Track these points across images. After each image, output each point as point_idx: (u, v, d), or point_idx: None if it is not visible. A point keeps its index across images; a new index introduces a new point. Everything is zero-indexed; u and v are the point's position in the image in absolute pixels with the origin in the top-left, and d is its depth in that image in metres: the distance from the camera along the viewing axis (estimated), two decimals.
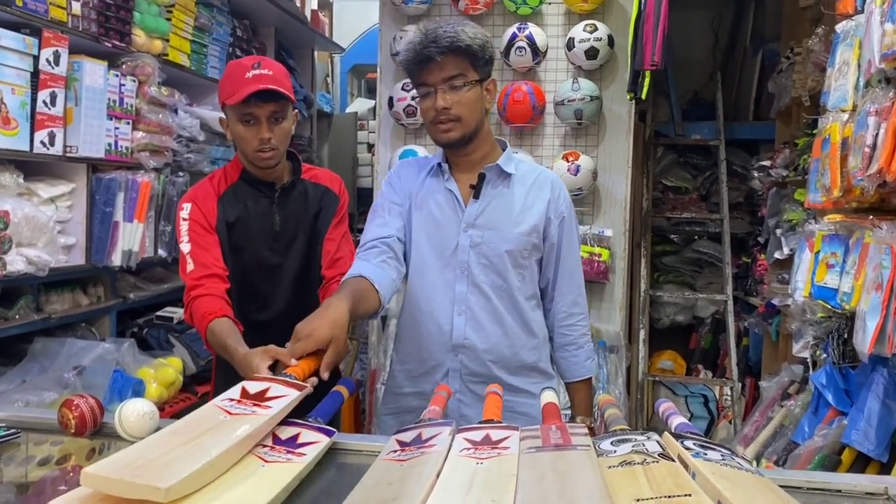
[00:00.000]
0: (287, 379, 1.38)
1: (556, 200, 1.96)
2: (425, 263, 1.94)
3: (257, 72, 1.96)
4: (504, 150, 1.97)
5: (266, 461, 1.15)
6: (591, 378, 2.06)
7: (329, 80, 6.01)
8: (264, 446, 1.21)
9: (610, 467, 1.11)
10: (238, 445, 1.11)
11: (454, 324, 1.92)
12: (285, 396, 1.31)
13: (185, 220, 2.07)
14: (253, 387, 1.33)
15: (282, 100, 1.99)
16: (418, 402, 1.93)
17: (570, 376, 2.06)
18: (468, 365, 1.93)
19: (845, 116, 2.43)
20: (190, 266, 2.01)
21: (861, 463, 2.46)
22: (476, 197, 1.92)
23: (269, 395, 1.30)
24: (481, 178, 1.92)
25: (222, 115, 2.12)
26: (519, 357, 1.96)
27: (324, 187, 2.24)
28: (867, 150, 2.13)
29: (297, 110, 2.16)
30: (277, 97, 1.98)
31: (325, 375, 1.49)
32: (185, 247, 2.04)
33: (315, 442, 1.25)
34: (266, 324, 2.13)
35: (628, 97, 3.48)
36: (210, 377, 3.32)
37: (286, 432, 1.27)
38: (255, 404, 1.26)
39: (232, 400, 1.27)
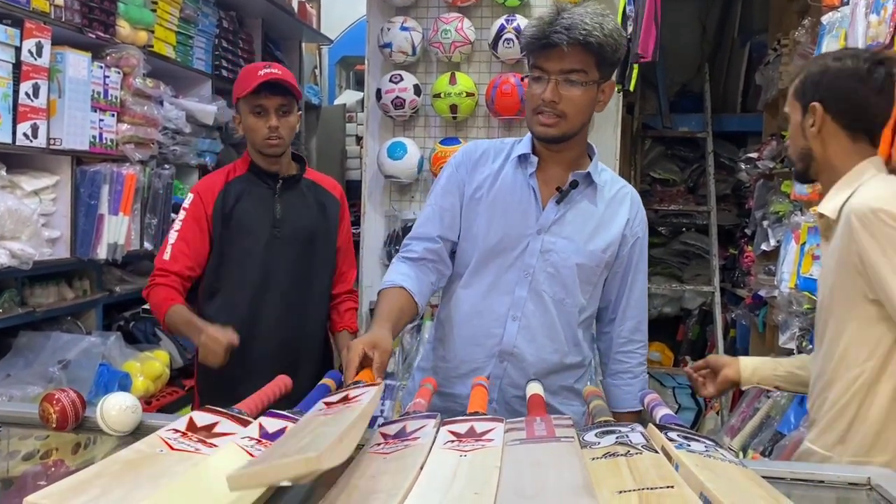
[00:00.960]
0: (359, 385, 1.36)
1: (633, 219, 1.82)
2: (487, 260, 1.80)
3: (268, 70, 2.21)
4: (592, 157, 1.81)
5: (252, 455, 1.12)
6: (641, 411, 1.80)
7: (317, 71, 5.98)
8: (251, 439, 1.18)
9: (594, 459, 1.10)
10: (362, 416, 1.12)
11: (506, 329, 1.77)
12: (365, 394, 1.26)
13: (184, 209, 2.28)
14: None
15: (289, 95, 2.22)
16: (445, 404, 1.76)
17: (620, 406, 1.88)
18: (511, 374, 1.78)
19: None
20: (167, 255, 2.22)
21: None
22: (559, 202, 1.76)
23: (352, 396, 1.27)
24: (573, 185, 1.75)
25: (235, 113, 2.33)
26: (562, 376, 1.82)
27: (325, 190, 2.41)
28: None
29: (300, 111, 2.37)
30: (285, 91, 2.21)
31: (379, 381, 1.45)
32: (173, 236, 2.25)
33: None
34: (258, 317, 2.25)
35: (618, 90, 3.48)
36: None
37: (273, 425, 1.23)
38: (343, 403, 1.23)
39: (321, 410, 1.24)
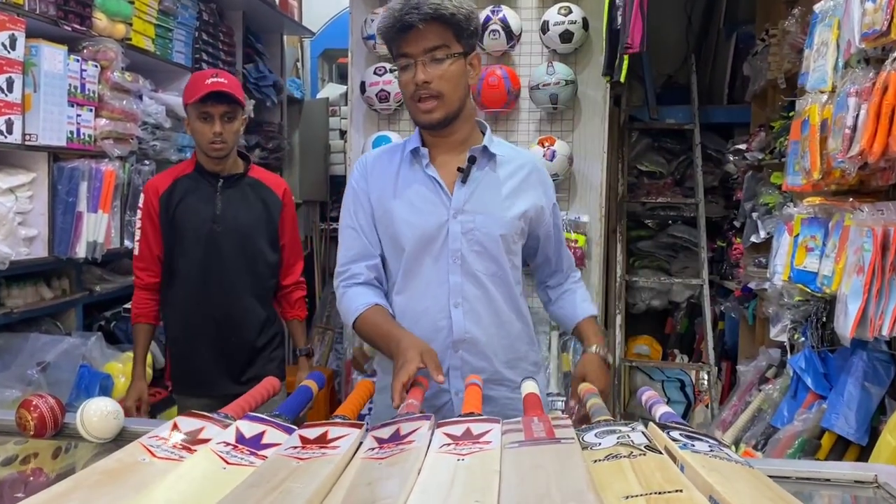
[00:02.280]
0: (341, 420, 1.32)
1: (545, 185, 1.90)
2: (414, 259, 1.80)
3: (214, 79, 2.43)
4: (484, 132, 1.84)
5: (228, 462, 1.09)
6: (595, 316, 1.99)
7: (299, 65, 5.93)
8: (227, 444, 1.15)
9: (596, 461, 1.07)
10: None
11: (453, 318, 1.77)
12: (345, 437, 1.22)
13: (139, 208, 2.59)
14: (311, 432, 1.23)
15: (233, 103, 2.45)
16: (388, 379, 1.77)
17: (580, 315, 1.95)
18: (470, 361, 1.79)
19: (824, 97, 2.41)
20: (136, 251, 2.61)
21: (841, 446, 2.48)
22: (464, 181, 1.78)
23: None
24: (472, 160, 1.78)
25: (185, 117, 2.57)
26: (515, 348, 1.85)
27: (267, 188, 2.63)
28: (847, 131, 2.11)
29: (246, 116, 2.60)
30: (230, 100, 2.44)
31: (441, 378, 1.56)
32: (137, 232, 2.60)
33: (279, 444, 1.19)
34: (201, 305, 2.55)
35: (605, 80, 3.45)
36: None
37: (250, 430, 1.21)
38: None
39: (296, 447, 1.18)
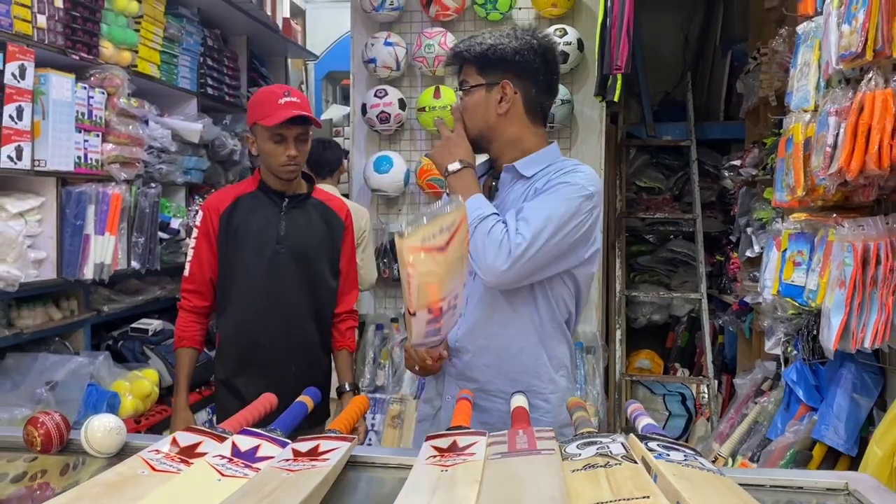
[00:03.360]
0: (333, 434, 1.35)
1: (551, 177, 1.79)
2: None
3: (288, 99, 2.30)
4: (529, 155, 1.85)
5: (223, 475, 1.12)
6: None
7: (303, 87, 6.00)
8: (222, 457, 1.18)
9: (574, 471, 1.10)
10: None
11: (453, 332, 1.84)
12: (336, 450, 1.25)
13: (196, 226, 2.44)
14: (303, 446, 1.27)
15: (307, 123, 2.33)
16: (427, 408, 1.99)
17: None
18: (463, 370, 1.87)
19: (807, 116, 2.47)
20: (186, 272, 2.45)
21: (832, 457, 2.51)
22: (491, 198, 1.86)
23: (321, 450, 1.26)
24: (496, 177, 1.92)
25: (248, 133, 2.46)
26: (516, 361, 1.85)
27: (331, 210, 2.51)
28: (828, 149, 2.16)
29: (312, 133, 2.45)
30: (305, 121, 2.31)
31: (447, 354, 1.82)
32: (189, 253, 2.45)
33: (272, 457, 1.21)
34: (262, 330, 2.38)
35: (598, 100, 3.51)
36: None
37: (245, 443, 1.24)
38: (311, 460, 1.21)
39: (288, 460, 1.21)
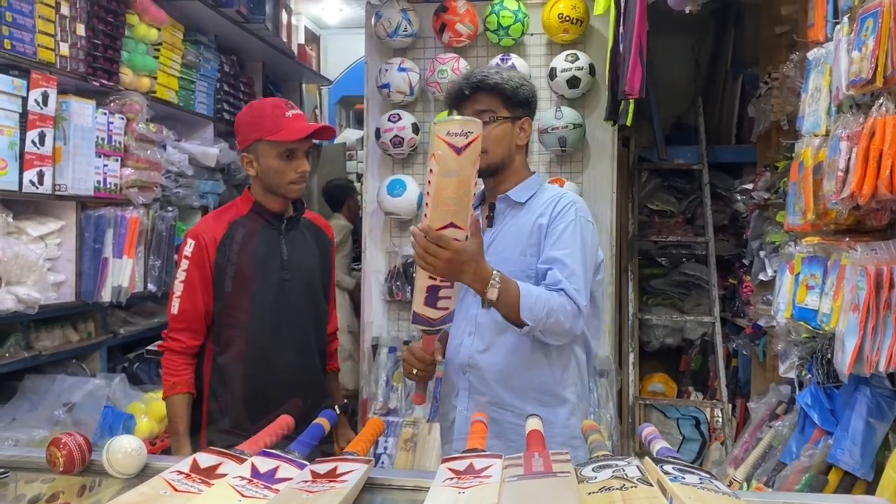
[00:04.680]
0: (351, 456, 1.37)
1: (555, 214, 1.94)
2: (459, 291, 1.93)
3: (295, 112, 2.20)
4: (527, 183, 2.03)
5: (243, 495, 1.14)
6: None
7: (318, 111, 6.08)
8: (242, 478, 1.20)
9: (590, 493, 1.11)
10: None
11: (464, 344, 2.00)
12: (353, 472, 1.27)
13: (186, 257, 2.19)
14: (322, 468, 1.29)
15: (316, 137, 2.24)
16: (445, 422, 2.10)
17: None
18: (475, 384, 1.98)
19: (817, 141, 2.48)
20: (175, 309, 2.19)
21: (848, 482, 2.47)
22: (490, 225, 2.02)
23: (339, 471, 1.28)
24: (491, 208, 2.03)
25: (245, 153, 2.23)
26: (527, 377, 1.95)
27: (320, 230, 2.43)
28: (840, 173, 2.16)
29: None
30: (319, 134, 2.23)
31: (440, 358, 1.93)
32: (178, 287, 2.19)
33: (290, 478, 1.24)
34: (273, 361, 2.23)
35: (609, 124, 3.54)
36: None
37: (265, 465, 1.27)
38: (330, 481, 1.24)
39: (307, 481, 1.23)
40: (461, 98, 1.98)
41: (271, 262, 2.24)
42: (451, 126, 1.58)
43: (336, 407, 2.34)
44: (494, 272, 1.75)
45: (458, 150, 1.58)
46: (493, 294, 1.74)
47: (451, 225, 1.64)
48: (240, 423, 2.16)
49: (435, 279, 1.71)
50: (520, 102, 1.98)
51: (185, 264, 2.19)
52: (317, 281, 2.35)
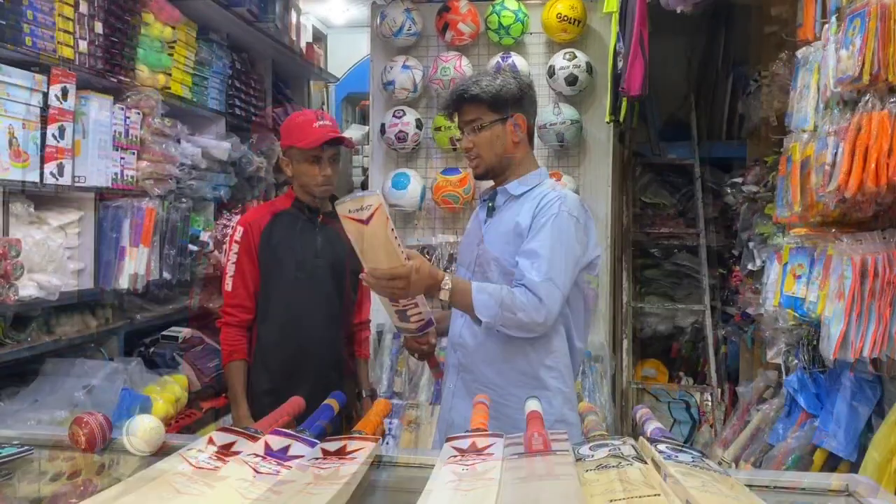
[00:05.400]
0: (359, 435, 1.45)
1: (539, 208, 2.04)
2: (460, 275, 2.18)
3: (322, 122, 2.46)
4: (531, 176, 2.13)
5: (258, 471, 1.19)
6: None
7: (324, 107, 6.12)
8: (256, 455, 1.25)
9: (587, 471, 1.16)
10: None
11: (457, 323, 2.13)
12: (362, 450, 1.34)
13: (236, 242, 2.50)
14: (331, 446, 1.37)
15: (340, 144, 2.48)
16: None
17: None
18: (463, 362, 2.11)
19: (806, 136, 2.53)
20: (228, 287, 2.50)
21: (832, 463, 2.57)
22: (490, 216, 2.15)
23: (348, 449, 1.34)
24: (492, 199, 2.16)
25: (282, 155, 2.59)
26: (510, 360, 2.06)
27: None
28: (827, 168, 2.22)
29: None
30: (337, 142, 2.46)
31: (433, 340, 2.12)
32: (231, 267, 2.50)
33: (303, 455, 1.29)
34: (299, 342, 2.47)
35: (609, 120, 3.64)
36: (214, 393, 3.47)
37: (277, 443, 1.31)
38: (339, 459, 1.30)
39: (318, 458, 1.30)
40: (451, 110, 2.13)
41: (306, 250, 2.50)
42: (350, 205, 1.80)
43: (363, 391, 2.63)
44: (446, 277, 1.93)
45: (365, 222, 1.79)
46: (444, 295, 1.94)
47: (389, 264, 1.85)
48: (276, 392, 2.38)
49: (398, 303, 1.96)
50: (506, 103, 2.07)
51: (235, 248, 2.49)
52: (345, 271, 2.52)
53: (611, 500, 1.02)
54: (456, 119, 2.16)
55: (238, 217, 3.73)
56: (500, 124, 2.07)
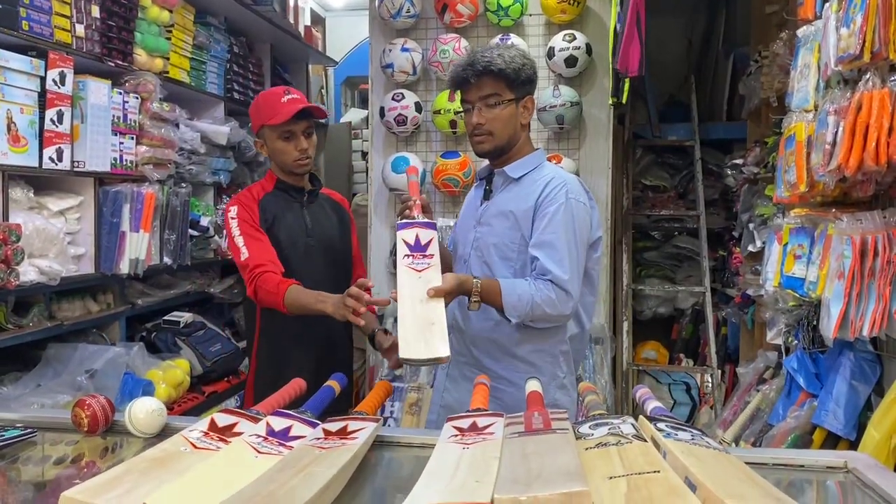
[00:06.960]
0: (360, 415, 1.46)
1: (544, 196, 2.03)
2: (455, 256, 2.21)
3: (290, 97, 2.37)
4: (529, 158, 2.12)
5: (259, 452, 1.20)
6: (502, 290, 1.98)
7: (324, 91, 6.12)
8: (258, 436, 1.26)
9: (587, 449, 1.17)
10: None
11: (451, 307, 2.07)
12: (363, 430, 1.35)
13: (233, 218, 2.40)
14: (332, 426, 1.37)
15: (311, 117, 2.40)
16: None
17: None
18: (455, 345, 2.08)
19: (809, 116, 2.53)
20: (245, 254, 2.32)
21: (831, 442, 2.58)
22: (487, 199, 2.14)
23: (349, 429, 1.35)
24: (490, 181, 2.15)
25: (255, 138, 2.50)
26: (501, 345, 2.08)
27: (337, 203, 2.63)
28: (828, 147, 2.22)
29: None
30: (310, 115, 2.39)
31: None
32: (239, 239, 2.35)
33: (304, 436, 1.30)
34: (302, 320, 2.35)
35: (612, 102, 3.63)
36: (216, 377, 3.48)
37: (279, 424, 1.32)
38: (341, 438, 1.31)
39: (319, 438, 1.31)
40: (465, 84, 2.04)
41: (297, 230, 2.46)
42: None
43: (375, 329, 2.48)
44: (476, 283, 1.93)
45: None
46: (475, 307, 1.96)
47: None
48: (282, 365, 2.40)
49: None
50: (523, 83, 2.04)
51: (234, 223, 2.38)
52: (338, 247, 2.55)
53: (610, 477, 1.03)
54: (459, 95, 2.10)
55: None
56: (514, 104, 2.04)
